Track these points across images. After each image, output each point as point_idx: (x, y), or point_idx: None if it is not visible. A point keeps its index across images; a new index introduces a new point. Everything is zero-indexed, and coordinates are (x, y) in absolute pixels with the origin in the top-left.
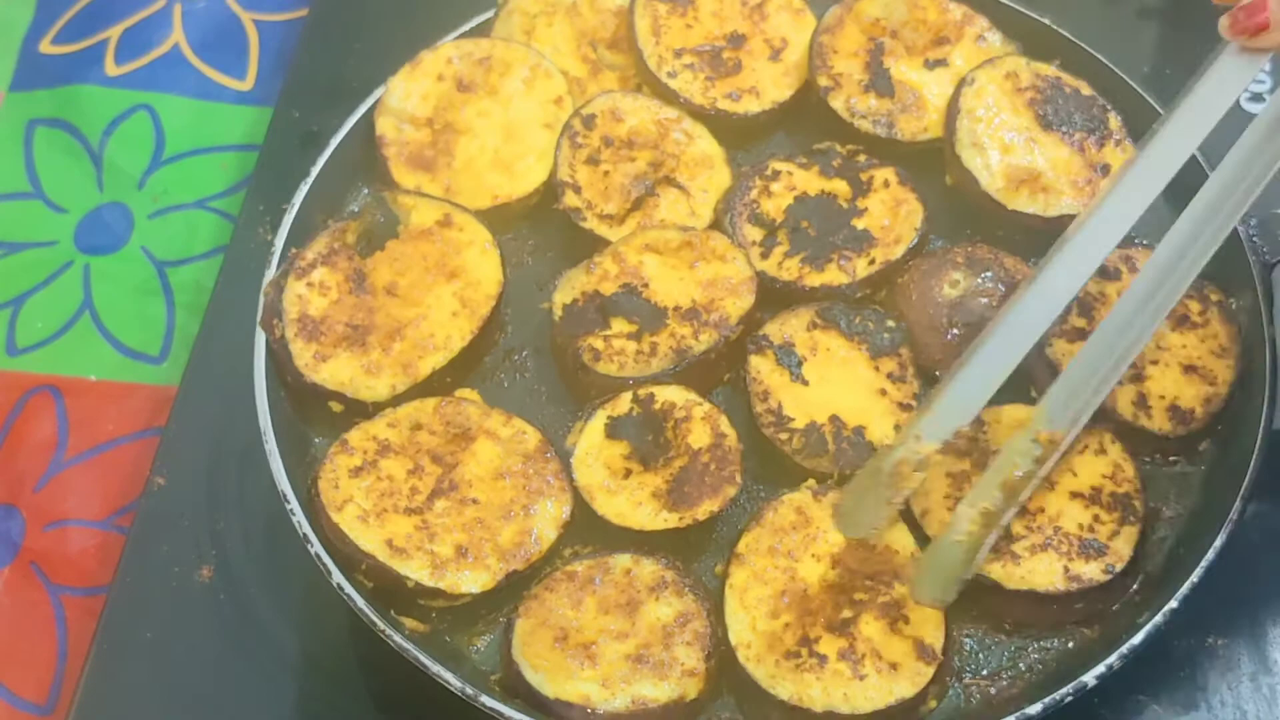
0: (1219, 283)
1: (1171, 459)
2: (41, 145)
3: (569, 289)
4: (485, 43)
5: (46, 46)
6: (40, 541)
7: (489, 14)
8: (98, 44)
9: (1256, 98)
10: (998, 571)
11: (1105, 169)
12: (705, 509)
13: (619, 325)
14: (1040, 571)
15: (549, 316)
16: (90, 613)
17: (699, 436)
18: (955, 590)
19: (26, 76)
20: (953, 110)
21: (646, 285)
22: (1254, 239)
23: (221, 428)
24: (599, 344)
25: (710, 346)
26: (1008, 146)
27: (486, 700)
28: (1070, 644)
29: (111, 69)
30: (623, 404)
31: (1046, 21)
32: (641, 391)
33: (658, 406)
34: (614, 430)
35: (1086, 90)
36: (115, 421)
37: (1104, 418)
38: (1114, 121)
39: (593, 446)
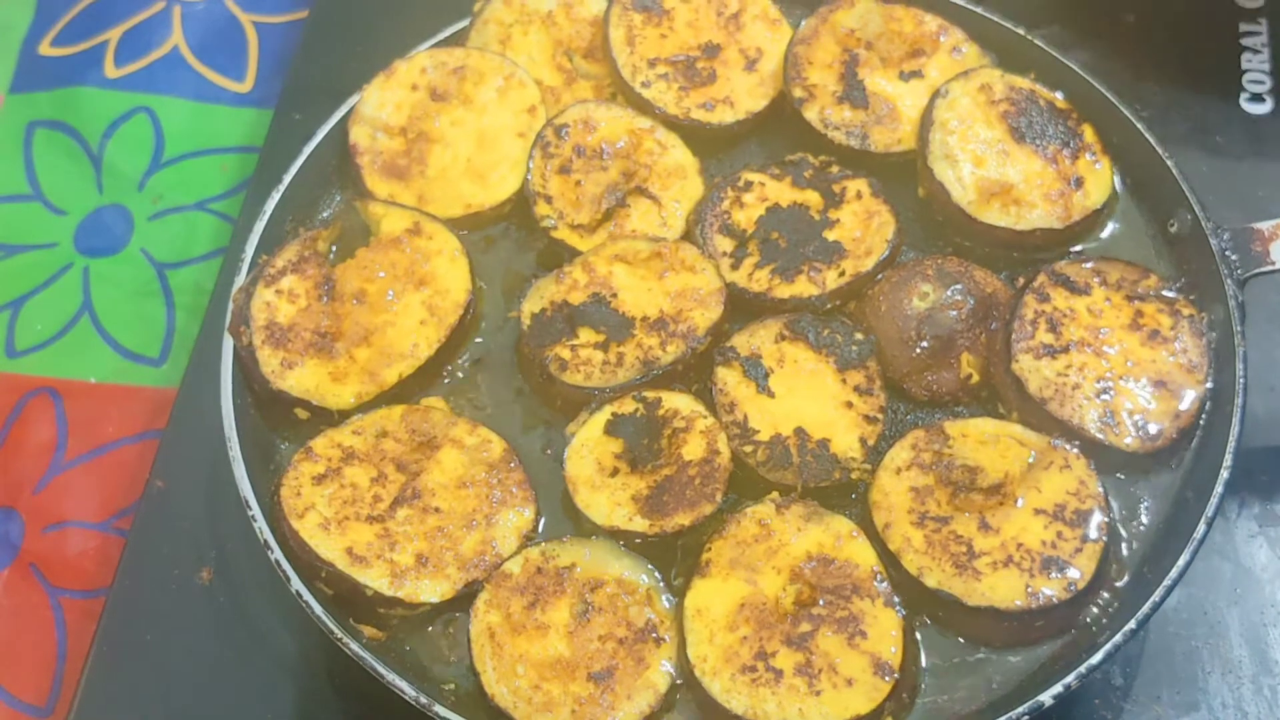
0: (1191, 297)
1: (1142, 472)
2: (41, 147)
3: (538, 298)
4: (459, 52)
5: (46, 48)
6: (40, 544)
7: (464, 22)
8: (97, 46)
9: (1257, 98)
10: (959, 587)
11: (1079, 181)
12: (676, 522)
13: (586, 335)
14: (1002, 588)
15: (518, 325)
16: (90, 615)
17: (692, 449)
18: None
19: (26, 78)
20: (926, 122)
21: (615, 295)
22: (1226, 253)
23: (221, 430)
24: (565, 354)
25: (677, 358)
26: (980, 159)
27: (440, 710)
28: (1030, 661)
29: (111, 71)
30: (628, 403)
31: (1021, 32)
32: (650, 394)
33: (661, 412)
34: (614, 427)
35: (1061, 103)
36: (115, 424)
37: (1071, 434)
38: (1089, 133)
39: (590, 439)
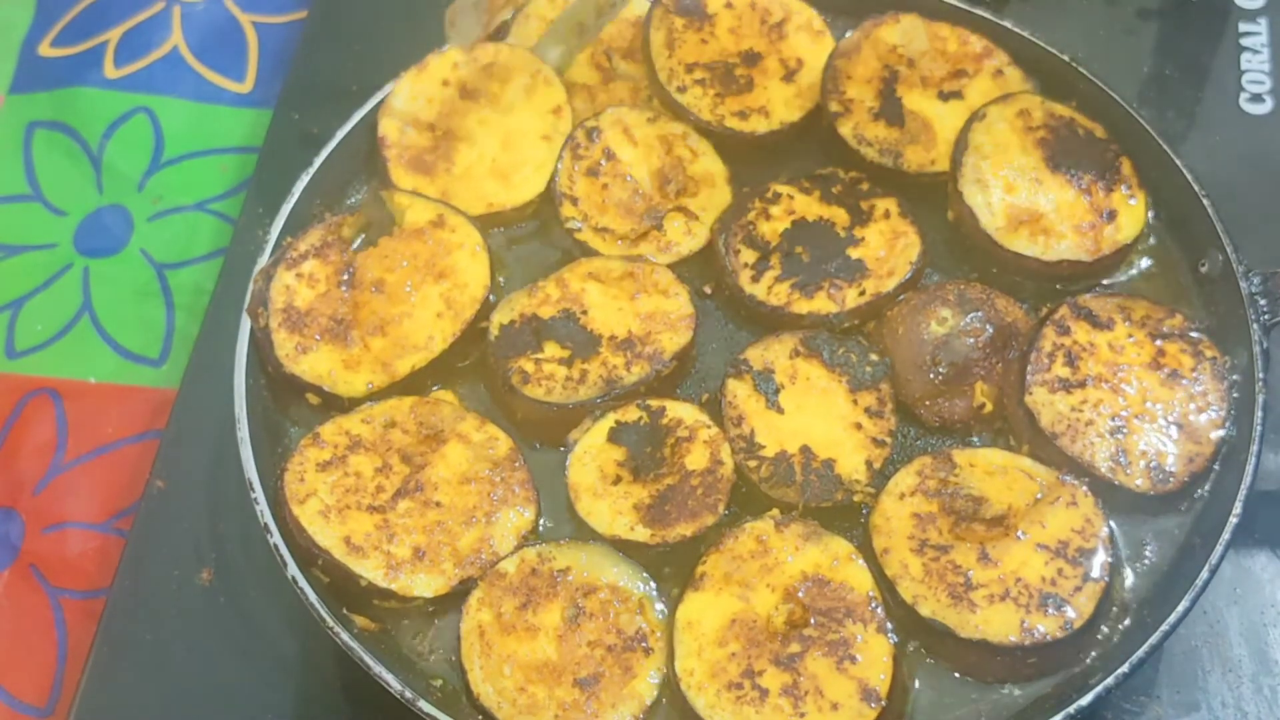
0: (1216, 339)
1: (1150, 514)
2: (41, 148)
3: (508, 309)
4: (491, 48)
5: (46, 49)
6: (40, 544)
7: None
8: (97, 46)
9: (1257, 98)
10: (953, 618)
11: (1111, 214)
12: (678, 532)
13: (552, 350)
14: (996, 622)
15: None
16: (90, 615)
17: (695, 459)
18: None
19: (26, 79)
20: (960, 144)
21: (585, 312)
22: (1255, 296)
23: (221, 430)
24: (529, 367)
25: (640, 379)
26: (1012, 185)
27: (425, 705)
28: (1023, 697)
29: (111, 71)
30: (632, 411)
31: (1066, 59)
32: (654, 402)
33: (665, 421)
34: (617, 435)
35: (1101, 133)
36: (115, 424)
37: (1081, 471)
38: (1126, 166)
39: (592, 446)
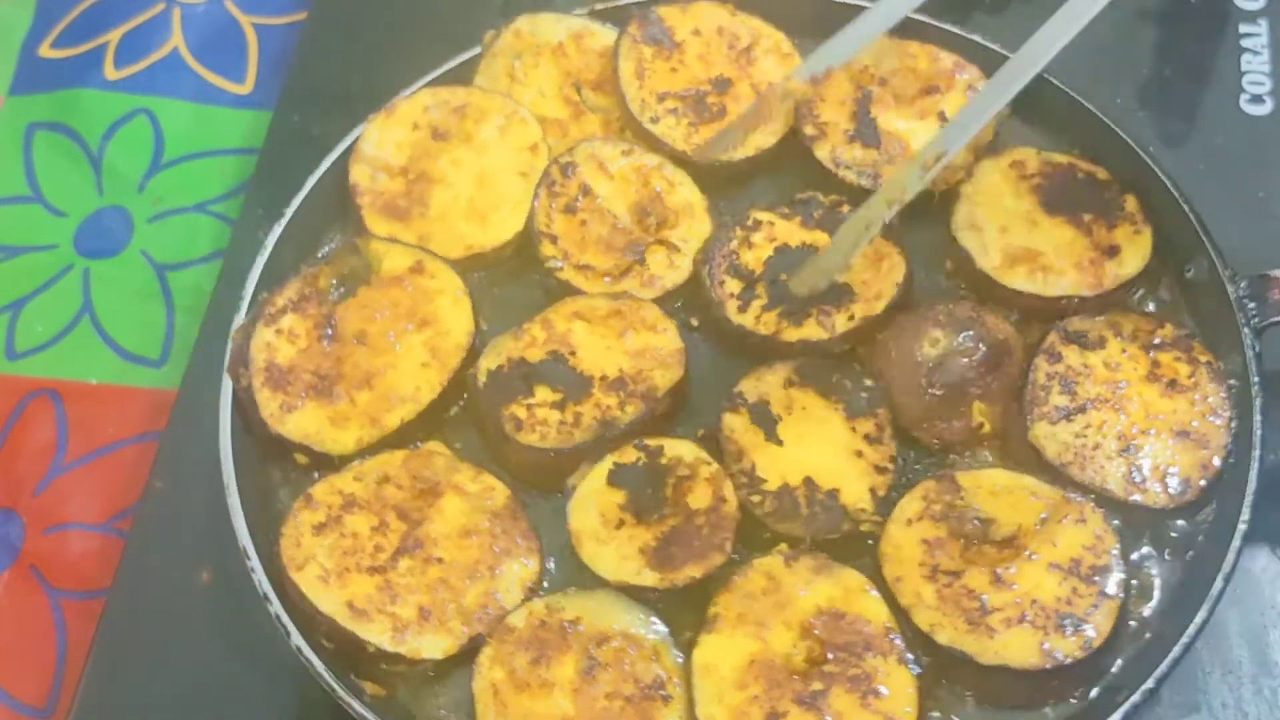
0: (1207, 343)
1: (1158, 526)
2: (41, 149)
3: (495, 355)
4: (462, 91)
5: (46, 50)
6: (40, 545)
7: (474, 51)
8: (97, 48)
9: (1257, 99)
10: (972, 645)
11: (1114, 250)
12: (687, 573)
13: (543, 394)
14: (1015, 646)
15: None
16: (90, 616)
17: (698, 498)
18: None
19: (26, 80)
20: (951, 195)
21: (574, 353)
22: (1243, 300)
23: (220, 432)
24: (521, 413)
25: (636, 418)
26: (1006, 227)
27: None
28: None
29: (111, 73)
30: (629, 452)
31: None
32: (652, 442)
33: (664, 460)
34: (616, 477)
35: (1103, 175)
36: (115, 425)
37: (1097, 496)
38: (1131, 203)
39: (592, 491)
